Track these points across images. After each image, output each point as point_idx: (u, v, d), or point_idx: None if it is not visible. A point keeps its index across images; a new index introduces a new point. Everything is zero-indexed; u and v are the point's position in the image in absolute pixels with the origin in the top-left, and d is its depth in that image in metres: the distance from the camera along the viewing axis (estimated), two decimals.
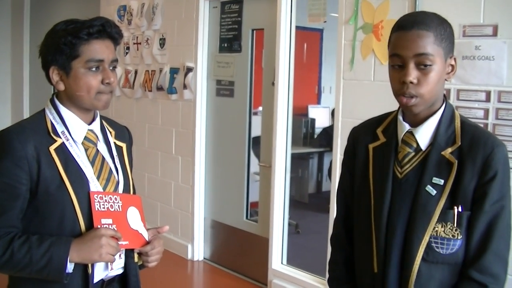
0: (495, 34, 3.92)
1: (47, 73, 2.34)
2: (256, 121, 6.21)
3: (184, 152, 6.78)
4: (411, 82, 2.03)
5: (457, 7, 4.03)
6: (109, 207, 2.30)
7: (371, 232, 2.22)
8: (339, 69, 4.92)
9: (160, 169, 7.21)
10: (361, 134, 2.38)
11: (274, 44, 5.61)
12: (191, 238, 6.78)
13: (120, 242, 2.27)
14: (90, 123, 2.39)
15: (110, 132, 2.53)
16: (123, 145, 2.57)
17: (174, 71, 6.78)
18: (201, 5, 6.46)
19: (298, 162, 9.05)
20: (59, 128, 2.30)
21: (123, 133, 2.64)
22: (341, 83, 4.90)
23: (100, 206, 2.27)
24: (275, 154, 5.67)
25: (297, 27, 5.63)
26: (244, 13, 6.11)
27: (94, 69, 2.27)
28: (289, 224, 6.07)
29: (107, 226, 2.26)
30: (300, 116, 9.36)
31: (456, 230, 2.06)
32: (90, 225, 2.25)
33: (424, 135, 2.14)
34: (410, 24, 2.03)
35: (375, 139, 2.30)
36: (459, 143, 2.10)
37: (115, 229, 2.28)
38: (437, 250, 2.08)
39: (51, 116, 2.33)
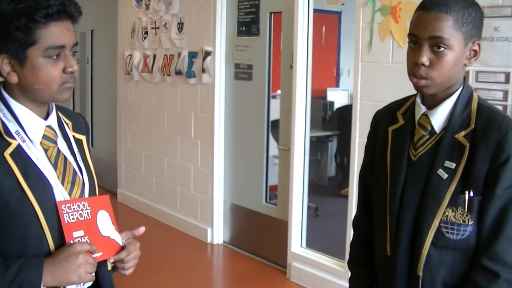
0: None
1: None
2: (275, 104, 6.20)
3: (203, 136, 6.80)
4: (423, 64, 1.99)
5: None
6: (79, 216, 2.00)
7: (386, 214, 2.20)
8: (357, 52, 4.90)
9: (179, 153, 7.24)
10: (382, 118, 2.36)
11: (292, 27, 5.59)
12: (211, 222, 6.81)
13: (94, 255, 2.00)
14: (46, 118, 2.05)
15: (67, 124, 2.19)
16: (83, 138, 2.23)
17: (192, 55, 6.78)
18: None
19: (317, 145, 9.04)
20: (12, 127, 1.95)
21: (79, 123, 2.29)
22: (359, 66, 4.88)
23: (69, 217, 1.97)
24: (294, 137, 5.67)
25: (315, 10, 5.60)
26: None
27: (54, 57, 1.93)
28: (308, 207, 6.08)
29: (79, 239, 1.98)
30: (318, 99, 9.34)
31: (467, 215, 2.01)
32: (59, 239, 1.96)
33: (438, 117, 2.11)
34: (431, 5, 1.98)
35: (394, 122, 2.27)
36: (473, 126, 2.04)
37: (88, 240, 2.00)
38: (447, 235, 2.03)
39: (0, 113, 1.97)
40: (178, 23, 7.00)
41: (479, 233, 2.02)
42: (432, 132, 2.13)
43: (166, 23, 7.18)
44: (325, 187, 9.28)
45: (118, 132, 8.52)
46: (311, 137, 5.88)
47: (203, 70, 6.59)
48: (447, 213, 2.04)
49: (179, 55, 6.96)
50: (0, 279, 1.81)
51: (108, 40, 8.81)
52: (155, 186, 7.78)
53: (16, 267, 1.83)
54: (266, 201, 6.35)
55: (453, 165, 2.05)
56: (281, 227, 5.95)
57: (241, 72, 6.40)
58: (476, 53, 2.08)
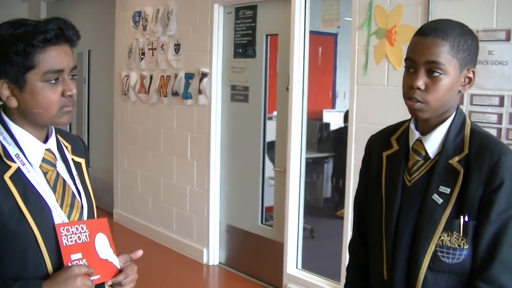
0: (508, 38, 3.91)
1: None
2: (271, 126, 6.22)
3: (199, 157, 6.81)
4: (418, 88, 2.02)
5: (470, 11, 4.03)
6: (77, 239, 2.01)
7: (382, 238, 2.21)
8: (352, 74, 4.93)
9: (175, 173, 7.24)
10: (377, 143, 2.39)
11: (288, 49, 5.63)
12: (206, 243, 6.80)
13: (92, 278, 2.00)
14: (45, 141, 2.06)
15: (66, 147, 2.20)
16: (82, 161, 2.24)
17: (189, 76, 6.81)
18: (216, 11, 6.49)
19: (312, 166, 9.05)
20: (12, 150, 1.96)
21: (78, 145, 2.29)
22: (355, 88, 4.91)
23: (67, 240, 1.98)
24: (289, 158, 5.68)
25: (311, 32, 5.64)
26: (258, 19, 6.13)
27: (53, 81, 1.93)
28: (304, 229, 6.08)
29: (77, 262, 1.98)
30: (314, 121, 9.36)
31: (462, 239, 2.03)
32: (57, 262, 1.96)
33: (432, 143, 2.13)
34: (429, 31, 2.03)
35: (389, 147, 2.30)
36: (467, 151, 2.07)
37: (86, 263, 2.00)
38: (442, 259, 2.06)
39: (0, 136, 1.97)
40: (175, 44, 7.03)
41: (474, 257, 2.04)
42: (426, 157, 2.15)
43: (163, 44, 7.21)
44: (320, 208, 9.27)
45: (114, 152, 8.53)
46: (306, 158, 5.89)
47: (200, 91, 6.62)
48: (442, 238, 2.06)
49: (176, 76, 6.98)
50: None
51: (105, 61, 8.84)
52: (151, 206, 7.78)
53: None
54: (261, 222, 6.35)
55: (447, 190, 2.07)
56: (277, 249, 5.95)
57: (238, 94, 6.42)
58: (470, 80, 2.11)
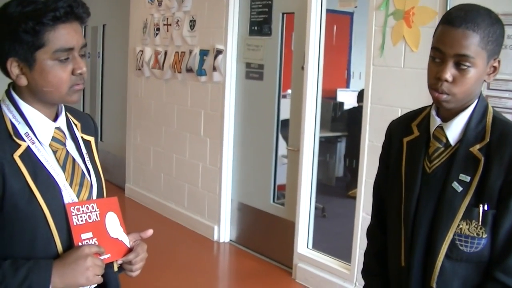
0: None
1: (3, 65, 1.94)
2: (285, 104, 6.21)
3: (213, 134, 6.81)
4: (446, 80, 1.99)
5: None
6: (87, 218, 2.00)
7: (400, 225, 2.21)
8: (369, 55, 4.89)
9: (188, 150, 7.25)
10: (397, 128, 2.36)
11: (304, 28, 5.59)
12: (218, 220, 6.83)
13: (102, 257, 2.00)
14: (55, 119, 2.04)
15: (76, 125, 2.18)
16: (91, 139, 2.23)
17: (204, 53, 6.79)
18: None
19: (325, 145, 9.03)
20: (22, 129, 1.95)
21: (88, 124, 2.28)
22: (370, 69, 4.88)
23: (78, 220, 1.97)
24: (303, 138, 5.67)
25: (327, 10, 5.59)
26: None
27: (63, 59, 1.91)
28: (315, 208, 6.08)
29: (88, 241, 1.99)
30: (328, 100, 9.33)
31: (481, 228, 2.02)
32: (67, 241, 1.96)
33: (453, 130, 2.11)
34: (459, 21, 1.96)
35: (409, 133, 2.27)
36: (488, 140, 2.05)
37: (96, 242, 2.01)
38: (461, 248, 2.05)
39: (10, 114, 1.96)
40: (190, 21, 7.01)
41: (492, 246, 2.03)
42: (447, 144, 2.13)
43: (178, 20, 7.19)
44: (332, 188, 9.27)
45: (127, 127, 8.55)
46: (320, 137, 5.88)
47: (214, 68, 6.61)
48: (461, 226, 2.04)
49: (191, 52, 6.97)
50: (10, 281, 1.81)
51: (119, 35, 8.83)
52: (163, 182, 7.80)
53: (25, 269, 1.83)
54: (273, 201, 6.36)
55: (467, 178, 2.05)
56: (288, 228, 5.97)
57: (252, 72, 6.41)
58: (495, 69, 2.08)
